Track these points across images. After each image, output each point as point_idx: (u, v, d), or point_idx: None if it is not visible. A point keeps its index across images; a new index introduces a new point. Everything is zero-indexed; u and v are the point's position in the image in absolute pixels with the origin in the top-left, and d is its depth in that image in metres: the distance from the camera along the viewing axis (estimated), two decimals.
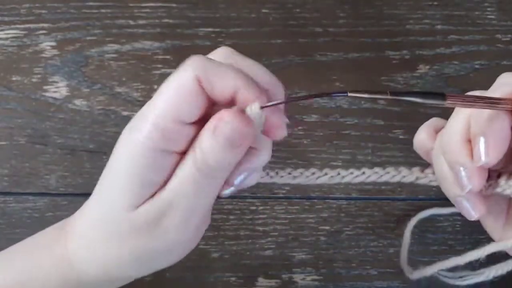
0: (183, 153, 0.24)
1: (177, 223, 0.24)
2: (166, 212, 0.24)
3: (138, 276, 0.28)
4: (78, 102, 0.42)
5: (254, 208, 0.41)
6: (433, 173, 0.29)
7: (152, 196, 0.24)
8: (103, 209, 0.25)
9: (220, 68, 0.23)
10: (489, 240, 0.41)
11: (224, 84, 0.22)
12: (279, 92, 0.25)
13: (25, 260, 0.27)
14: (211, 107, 0.24)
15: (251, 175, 0.25)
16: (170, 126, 0.23)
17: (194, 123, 0.24)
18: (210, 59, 0.23)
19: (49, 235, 0.28)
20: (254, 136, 0.23)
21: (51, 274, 0.27)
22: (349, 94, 0.22)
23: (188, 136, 0.24)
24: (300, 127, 0.42)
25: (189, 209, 0.24)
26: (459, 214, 0.41)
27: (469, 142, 0.25)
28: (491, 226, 0.30)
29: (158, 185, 0.24)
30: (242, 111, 0.23)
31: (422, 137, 0.29)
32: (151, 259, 0.26)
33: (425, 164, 0.42)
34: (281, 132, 0.25)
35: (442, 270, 0.38)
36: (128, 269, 0.26)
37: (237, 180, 0.25)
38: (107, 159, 0.26)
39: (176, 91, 0.22)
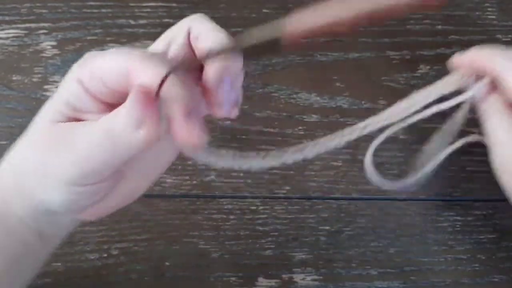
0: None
1: (79, 155, 0.24)
2: (76, 137, 0.25)
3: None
4: None
5: (254, 208, 0.41)
6: None
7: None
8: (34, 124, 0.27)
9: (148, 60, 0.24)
10: (489, 240, 0.42)
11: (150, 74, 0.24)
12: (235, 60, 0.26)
13: None
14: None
15: None
16: (97, 74, 0.25)
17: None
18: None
19: None
20: (157, 120, 0.23)
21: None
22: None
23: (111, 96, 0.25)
24: (300, 127, 0.42)
25: (87, 149, 0.24)
26: (459, 215, 0.41)
27: None
28: None
29: (79, 112, 0.26)
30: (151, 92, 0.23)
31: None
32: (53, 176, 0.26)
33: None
34: (220, 111, 0.26)
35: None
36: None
37: None
38: None
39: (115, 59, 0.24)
